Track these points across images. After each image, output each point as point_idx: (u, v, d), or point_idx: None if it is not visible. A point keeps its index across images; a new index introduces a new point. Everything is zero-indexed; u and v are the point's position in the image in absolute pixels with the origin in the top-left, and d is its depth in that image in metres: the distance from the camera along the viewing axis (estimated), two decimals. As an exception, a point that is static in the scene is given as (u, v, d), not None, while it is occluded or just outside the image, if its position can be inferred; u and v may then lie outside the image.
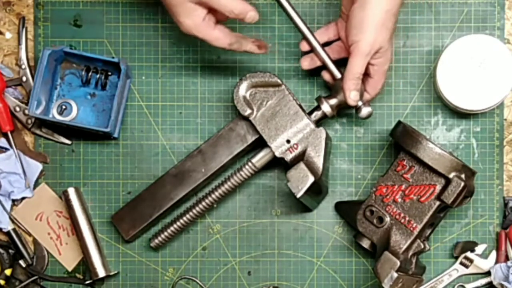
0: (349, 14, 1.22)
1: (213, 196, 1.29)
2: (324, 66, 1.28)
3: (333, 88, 1.28)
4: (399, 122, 1.27)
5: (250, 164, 1.28)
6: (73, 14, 1.34)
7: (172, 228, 1.30)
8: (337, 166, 1.34)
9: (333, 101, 1.26)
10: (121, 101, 1.31)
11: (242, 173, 1.28)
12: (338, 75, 1.27)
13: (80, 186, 1.34)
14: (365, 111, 1.26)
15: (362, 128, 1.33)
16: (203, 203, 1.29)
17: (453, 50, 1.28)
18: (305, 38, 1.27)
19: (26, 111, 1.31)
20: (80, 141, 1.34)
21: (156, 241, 1.31)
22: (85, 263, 1.33)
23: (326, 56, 1.27)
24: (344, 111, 1.32)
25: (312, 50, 1.28)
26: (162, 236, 1.30)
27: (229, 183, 1.28)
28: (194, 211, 1.29)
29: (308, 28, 1.26)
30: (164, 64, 1.34)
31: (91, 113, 1.33)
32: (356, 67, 1.21)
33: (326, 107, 1.26)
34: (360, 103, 1.26)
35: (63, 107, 1.33)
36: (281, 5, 1.25)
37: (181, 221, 1.29)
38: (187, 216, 1.29)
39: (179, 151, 1.34)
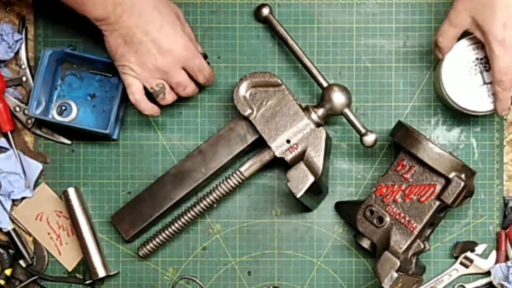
0: None
1: (195, 210, 1.29)
2: (312, 75, 1.28)
3: (321, 97, 1.28)
4: (399, 122, 1.27)
5: (238, 173, 1.28)
6: (74, 14, 1.34)
7: (160, 237, 1.30)
8: (337, 166, 1.34)
9: (321, 111, 1.27)
10: (121, 103, 1.31)
11: (230, 181, 1.28)
12: (324, 83, 1.27)
13: (80, 186, 1.34)
14: (369, 138, 1.25)
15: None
16: (189, 214, 1.29)
17: (457, 50, 1.26)
18: (290, 48, 1.28)
19: (26, 111, 1.31)
20: (80, 141, 1.34)
21: (145, 249, 1.30)
22: (85, 263, 1.33)
23: (311, 64, 1.28)
24: (332, 118, 1.32)
25: (298, 59, 1.29)
26: (151, 245, 1.30)
27: (217, 191, 1.29)
28: (180, 221, 1.29)
29: (289, 35, 1.29)
30: (164, 64, 1.34)
31: (90, 114, 1.33)
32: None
33: (314, 117, 1.26)
34: (363, 130, 1.26)
35: (63, 107, 1.33)
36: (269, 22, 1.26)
37: (170, 230, 1.29)
38: (176, 225, 1.29)
39: (179, 151, 1.34)
